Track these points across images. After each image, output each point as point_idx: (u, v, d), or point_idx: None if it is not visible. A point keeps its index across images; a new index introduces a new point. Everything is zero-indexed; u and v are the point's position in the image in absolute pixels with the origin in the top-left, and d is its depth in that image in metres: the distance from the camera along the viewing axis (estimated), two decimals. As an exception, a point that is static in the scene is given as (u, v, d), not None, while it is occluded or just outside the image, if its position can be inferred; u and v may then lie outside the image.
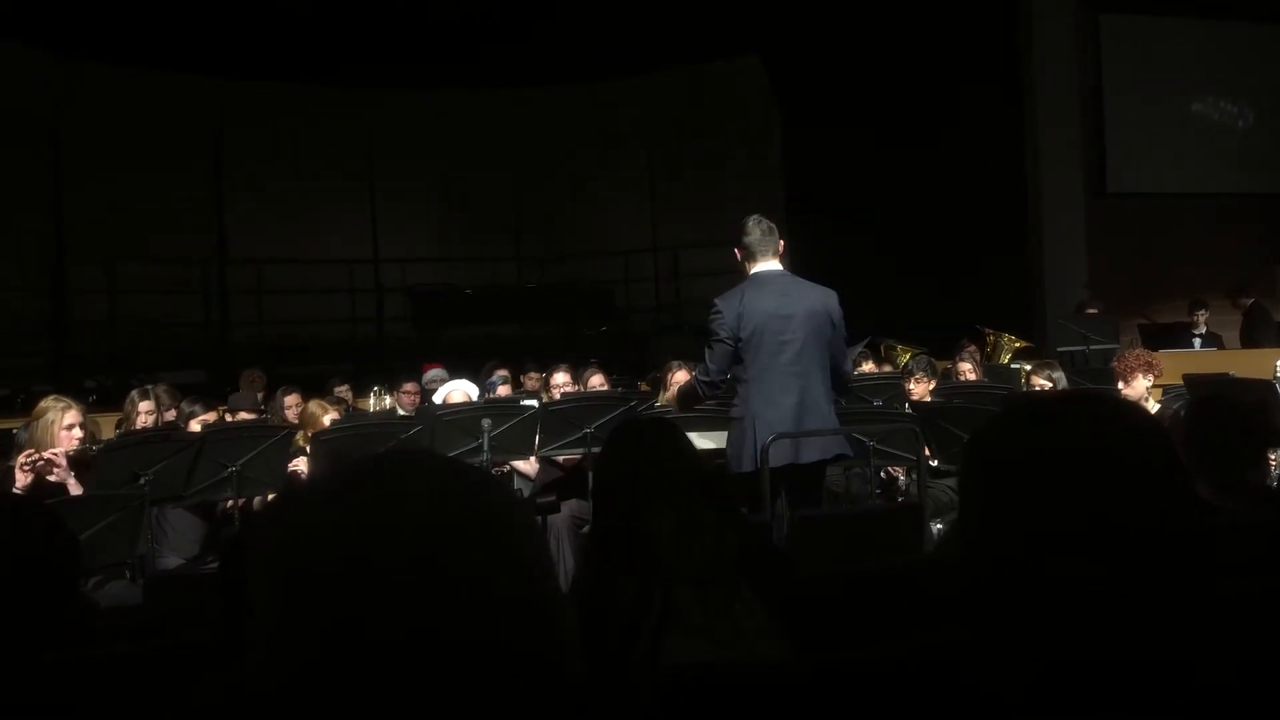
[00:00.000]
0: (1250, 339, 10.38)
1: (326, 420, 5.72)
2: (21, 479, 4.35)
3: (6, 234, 12.22)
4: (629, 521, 2.49)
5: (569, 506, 5.65)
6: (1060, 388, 5.98)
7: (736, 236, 4.67)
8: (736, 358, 4.53)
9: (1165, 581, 0.87)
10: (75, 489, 4.47)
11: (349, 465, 0.73)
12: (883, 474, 5.62)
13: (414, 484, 0.71)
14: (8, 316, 12.15)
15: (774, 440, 4.39)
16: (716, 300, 4.60)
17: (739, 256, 4.67)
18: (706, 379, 4.63)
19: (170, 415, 6.38)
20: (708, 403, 4.93)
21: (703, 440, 5.07)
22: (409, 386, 7.57)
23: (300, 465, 5.35)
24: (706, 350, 4.61)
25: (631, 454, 2.65)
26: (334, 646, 0.65)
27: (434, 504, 0.70)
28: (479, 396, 6.96)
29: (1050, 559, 0.87)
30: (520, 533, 0.72)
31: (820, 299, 4.60)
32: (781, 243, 4.67)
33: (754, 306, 4.50)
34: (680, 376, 6.33)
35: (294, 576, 0.67)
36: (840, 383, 4.81)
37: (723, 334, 4.51)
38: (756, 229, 4.61)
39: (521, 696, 0.67)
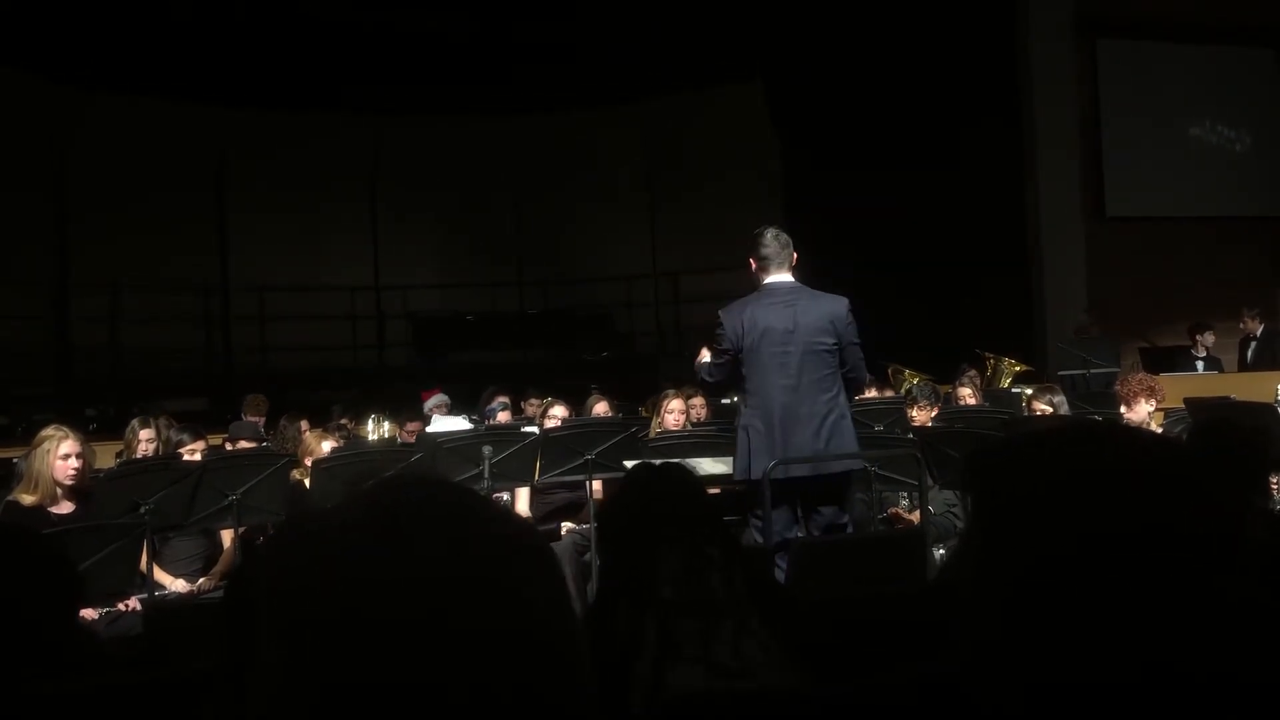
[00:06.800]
0: (1260, 362, 10.26)
1: (324, 448, 5.70)
2: None
3: (10, 262, 12.25)
4: (634, 562, 2.49)
5: (570, 533, 5.64)
6: (1061, 412, 5.97)
7: (752, 247, 4.69)
8: (738, 370, 4.58)
9: (1192, 596, 0.86)
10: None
11: (356, 500, 0.71)
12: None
13: (427, 523, 0.69)
14: (10, 345, 12.16)
15: (774, 465, 4.41)
16: (720, 313, 4.67)
17: (753, 267, 4.69)
18: (709, 378, 4.84)
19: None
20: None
21: (715, 465, 5.10)
22: (411, 426, 7.35)
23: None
24: (713, 357, 4.71)
25: (640, 501, 2.63)
26: (339, 696, 0.63)
27: (449, 548, 0.68)
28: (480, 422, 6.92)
29: (1074, 579, 0.87)
30: (538, 572, 0.70)
31: (828, 309, 4.60)
32: (795, 255, 4.70)
33: (756, 320, 4.53)
34: (675, 404, 6.39)
35: (297, 623, 0.65)
36: (853, 390, 4.85)
37: (724, 346, 4.59)
38: (774, 242, 4.64)
39: None
